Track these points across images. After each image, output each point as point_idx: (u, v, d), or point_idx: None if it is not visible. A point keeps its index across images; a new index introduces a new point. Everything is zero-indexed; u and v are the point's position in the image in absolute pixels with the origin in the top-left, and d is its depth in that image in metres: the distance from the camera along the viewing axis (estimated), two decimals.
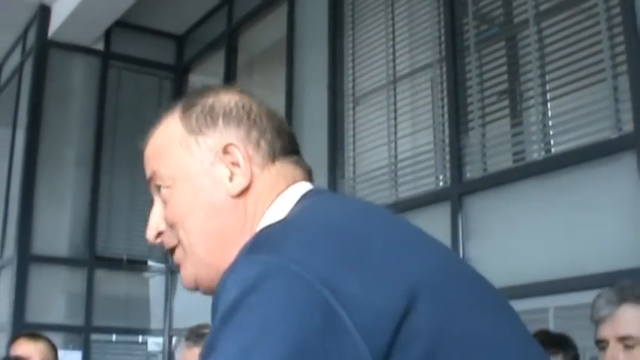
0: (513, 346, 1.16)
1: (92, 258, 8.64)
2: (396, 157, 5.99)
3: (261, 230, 1.16)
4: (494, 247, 5.02)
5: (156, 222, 1.39)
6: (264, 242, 1.11)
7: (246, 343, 1.00)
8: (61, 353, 7.21)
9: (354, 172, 6.44)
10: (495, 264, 4.94)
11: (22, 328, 7.90)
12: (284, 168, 1.34)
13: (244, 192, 1.30)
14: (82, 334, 8.35)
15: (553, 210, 4.66)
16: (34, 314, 8.14)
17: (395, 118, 6.04)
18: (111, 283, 8.77)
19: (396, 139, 6.01)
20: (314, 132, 6.82)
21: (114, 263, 8.78)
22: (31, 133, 8.62)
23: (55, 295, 8.53)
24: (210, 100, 1.36)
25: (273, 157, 1.34)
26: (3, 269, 8.93)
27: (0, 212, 9.35)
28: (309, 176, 1.39)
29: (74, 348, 8.16)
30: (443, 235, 5.22)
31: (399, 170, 5.97)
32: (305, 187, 1.34)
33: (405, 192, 5.83)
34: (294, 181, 1.34)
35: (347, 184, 6.42)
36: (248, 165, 1.31)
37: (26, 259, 8.29)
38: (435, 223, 5.38)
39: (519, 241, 4.81)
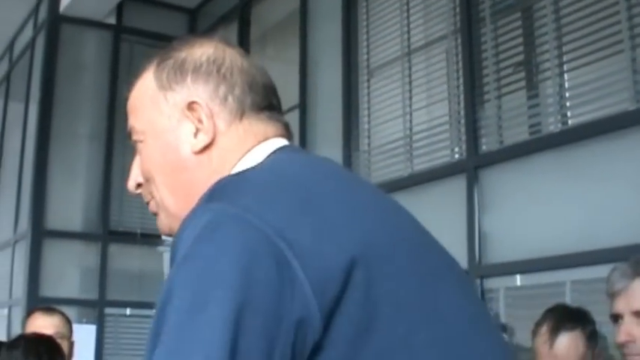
0: (456, 320, 1.16)
1: (106, 232, 8.66)
2: (411, 129, 5.94)
3: (219, 180, 1.17)
4: (510, 220, 4.98)
5: (135, 174, 1.43)
6: (220, 191, 1.13)
7: (199, 292, 1.01)
8: (75, 327, 7.23)
9: (368, 144, 6.39)
10: (511, 237, 4.91)
11: (37, 302, 7.92)
12: (254, 124, 1.34)
13: (208, 148, 1.32)
14: (96, 308, 8.37)
15: (570, 183, 4.61)
16: (49, 288, 8.16)
17: (410, 91, 5.98)
18: (125, 258, 8.78)
19: (411, 112, 5.96)
20: (328, 105, 6.78)
21: (128, 237, 8.78)
22: (44, 107, 8.60)
23: (69, 270, 8.55)
24: (182, 55, 1.37)
25: (241, 113, 1.34)
26: (17, 244, 8.96)
27: (13, 187, 9.36)
28: (285, 132, 1.39)
29: (88, 322, 8.18)
30: (458, 208, 5.19)
31: (414, 143, 5.92)
32: (277, 143, 1.34)
33: (421, 165, 5.78)
34: (265, 138, 1.34)
35: (362, 156, 6.38)
36: (211, 122, 1.32)
37: (40, 234, 8.30)
38: (450, 196, 5.35)
39: (536, 214, 4.77)
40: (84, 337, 7.72)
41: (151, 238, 8.79)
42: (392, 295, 1.08)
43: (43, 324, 3.74)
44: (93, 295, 8.40)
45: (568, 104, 4.79)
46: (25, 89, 9.49)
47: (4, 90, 10.75)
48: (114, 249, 8.69)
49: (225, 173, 1.27)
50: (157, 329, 1.04)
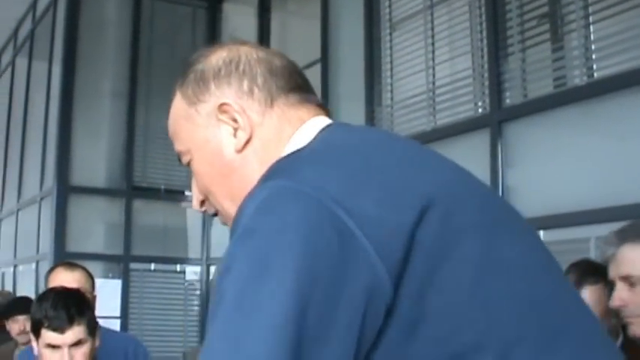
0: (526, 269, 1.15)
1: (130, 188, 8.67)
2: (433, 83, 5.84)
3: (276, 161, 1.20)
4: (534, 175, 4.89)
5: (196, 192, 1.43)
6: (278, 170, 1.15)
7: (259, 263, 1.01)
8: (101, 282, 7.28)
9: (391, 99, 6.29)
10: (535, 192, 4.83)
11: (63, 257, 7.98)
12: (286, 111, 1.34)
13: (249, 143, 1.32)
14: (121, 263, 8.40)
15: (595, 137, 4.50)
16: (75, 244, 8.21)
17: (432, 44, 5.86)
18: (149, 213, 8.79)
19: (434, 65, 5.84)
20: (350, 60, 6.69)
21: (151, 193, 8.79)
22: (67, 66, 8.59)
23: (94, 225, 8.58)
24: (200, 66, 1.39)
25: (271, 100, 1.34)
26: (43, 200, 9.00)
27: (39, 145, 9.38)
28: (320, 110, 1.38)
29: (114, 277, 8.23)
30: (482, 163, 5.11)
31: (436, 97, 5.81)
32: (317, 123, 1.33)
33: (443, 119, 5.70)
34: (302, 122, 1.33)
35: (384, 111, 6.29)
36: (244, 117, 1.32)
37: (65, 190, 8.33)
38: (473, 151, 5.27)
39: (560, 168, 4.68)
40: (110, 291, 7.77)
41: (174, 194, 8.79)
42: (458, 248, 1.07)
43: (66, 279, 3.65)
44: (118, 250, 8.43)
45: (594, 56, 4.66)
46: (49, 48, 9.46)
47: (27, 49, 10.76)
48: (138, 205, 8.71)
49: (272, 160, 1.25)
50: (216, 301, 1.04)
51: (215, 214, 1.42)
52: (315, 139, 1.26)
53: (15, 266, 10.22)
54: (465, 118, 5.49)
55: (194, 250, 8.86)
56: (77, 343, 2.84)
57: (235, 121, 1.32)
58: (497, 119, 5.10)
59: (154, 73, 9.00)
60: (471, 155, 5.30)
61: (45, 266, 8.39)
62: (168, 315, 8.51)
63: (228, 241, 1.10)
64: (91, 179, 8.58)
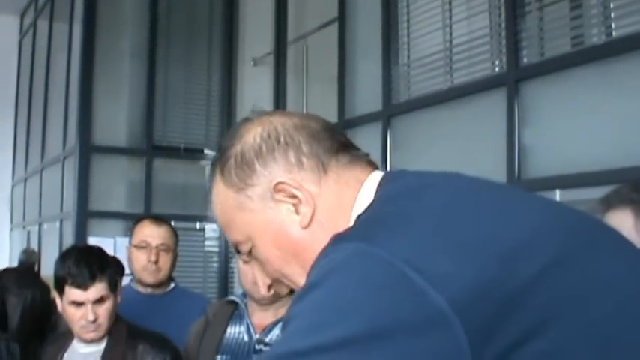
0: (630, 282, 1.08)
1: (150, 147, 8.64)
2: (451, 42, 5.72)
3: (347, 228, 1.15)
4: (550, 134, 4.80)
5: (262, 279, 1.37)
6: (348, 234, 1.10)
7: (320, 319, 0.99)
8: (121, 240, 7.28)
9: (408, 57, 6.19)
10: (552, 151, 4.74)
11: (86, 215, 8.05)
12: (341, 175, 1.28)
13: (313, 217, 1.25)
14: None
15: (612, 97, 4.39)
16: (97, 202, 8.23)
17: (450, 2, 5.72)
18: (169, 172, 8.78)
19: (451, 24, 5.72)
20: (368, 19, 6.59)
21: (171, 152, 8.76)
22: (87, 27, 8.54)
23: (115, 184, 8.60)
24: (238, 148, 1.30)
25: (323, 166, 1.27)
26: (66, 160, 9.01)
27: (61, 106, 9.38)
28: (371, 165, 1.33)
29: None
30: (498, 122, 5.03)
31: (454, 55, 5.69)
32: (373, 181, 1.27)
33: (460, 78, 5.59)
34: (360, 182, 1.27)
35: (401, 70, 6.19)
36: (304, 191, 1.25)
37: (87, 150, 8.32)
38: (490, 110, 5.18)
39: (577, 128, 4.59)
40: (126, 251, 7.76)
41: (194, 153, 8.79)
42: (544, 302, 1.00)
43: (150, 233, 3.74)
44: (139, 208, 8.42)
45: (612, 15, 4.53)
46: (69, 10, 9.42)
47: (48, 11, 10.75)
48: (158, 163, 8.69)
49: (340, 228, 1.19)
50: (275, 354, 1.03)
51: (289, 293, 1.37)
52: (377, 197, 1.21)
53: (40, 224, 10.26)
54: (481, 77, 5.37)
55: None
56: (100, 300, 2.88)
57: (294, 197, 1.25)
58: (513, 78, 4.99)
59: (173, 32, 8.95)
60: (487, 114, 5.22)
61: (69, 224, 8.44)
62: (188, 271, 8.50)
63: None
64: (112, 139, 8.57)
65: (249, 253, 1.33)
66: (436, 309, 0.96)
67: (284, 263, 1.28)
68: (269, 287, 1.38)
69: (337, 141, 1.30)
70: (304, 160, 1.26)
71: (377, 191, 1.23)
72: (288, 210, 1.26)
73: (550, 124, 4.80)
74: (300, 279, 1.25)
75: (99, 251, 3.03)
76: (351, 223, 1.20)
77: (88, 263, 2.86)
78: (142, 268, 3.71)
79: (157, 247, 3.70)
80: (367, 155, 1.33)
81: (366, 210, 1.18)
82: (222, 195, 1.32)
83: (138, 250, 3.71)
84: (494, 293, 0.98)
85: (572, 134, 4.62)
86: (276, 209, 1.26)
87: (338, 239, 1.08)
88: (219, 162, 1.32)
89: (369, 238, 1.04)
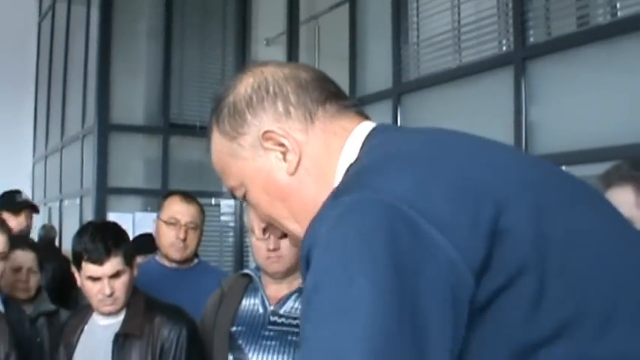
0: (613, 240, 1.12)
1: (167, 125, 8.68)
2: (459, 21, 5.74)
3: (340, 182, 1.17)
4: (557, 111, 4.81)
5: (257, 223, 1.47)
6: (344, 188, 1.11)
7: (343, 275, 0.99)
8: (140, 215, 7.36)
9: (417, 37, 6.20)
10: (558, 128, 4.76)
11: (105, 192, 8.10)
12: (328, 124, 1.30)
13: (299, 163, 1.28)
14: (159, 197, 8.42)
15: (618, 75, 4.40)
16: (115, 179, 8.28)
17: None
18: (185, 149, 8.81)
19: (460, 4, 5.73)
20: None
21: (187, 130, 8.80)
22: (105, 9, 8.58)
23: (133, 161, 8.63)
24: (231, 99, 1.34)
25: (310, 115, 1.30)
26: (85, 138, 9.05)
27: (79, 86, 9.41)
28: (360, 115, 1.34)
29: (152, 210, 8.26)
30: (506, 100, 5.04)
31: (462, 35, 5.71)
32: (363, 130, 1.29)
33: (469, 57, 5.60)
34: (347, 131, 1.29)
35: (410, 49, 6.20)
36: (290, 139, 1.28)
37: (106, 128, 8.37)
38: (498, 88, 5.20)
39: (583, 106, 4.60)
40: (149, 224, 7.81)
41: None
42: (536, 233, 1.04)
43: (180, 210, 3.69)
44: (156, 184, 8.48)
45: None
46: None
47: None
48: (174, 141, 8.73)
49: (327, 176, 1.26)
50: (306, 320, 1.03)
51: (282, 237, 1.41)
52: (368, 147, 1.23)
53: (61, 201, 10.33)
54: (489, 56, 5.39)
55: None
56: (116, 275, 2.89)
57: (282, 145, 1.28)
58: (520, 57, 5.00)
59: (188, 13, 8.95)
60: (495, 92, 5.24)
61: (88, 201, 8.50)
62: (204, 246, 8.51)
63: (299, 265, 1.11)
64: (129, 117, 8.61)
65: (244, 197, 1.36)
66: (443, 250, 0.99)
67: (272, 208, 1.31)
68: (264, 230, 1.40)
69: (326, 90, 1.33)
70: (292, 109, 1.29)
71: (366, 141, 1.25)
72: (277, 157, 1.28)
73: (556, 102, 4.82)
74: (287, 222, 1.31)
75: (114, 227, 3.03)
76: (338, 171, 1.24)
77: (103, 239, 2.86)
78: (169, 244, 3.67)
79: (185, 224, 3.65)
80: (356, 105, 1.36)
81: (357, 160, 1.20)
82: (218, 143, 1.36)
83: (167, 226, 3.66)
84: (488, 234, 1.01)
85: (578, 111, 4.64)
86: (266, 157, 1.29)
87: (338, 193, 1.10)
88: (215, 112, 1.36)
89: (368, 186, 1.06)
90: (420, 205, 1.01)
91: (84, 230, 2.96)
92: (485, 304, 1.00)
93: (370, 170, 1.12)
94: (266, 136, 1.28)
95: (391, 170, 1.10)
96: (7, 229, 3.34)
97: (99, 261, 2.85)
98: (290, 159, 1.28)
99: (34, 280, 3.75)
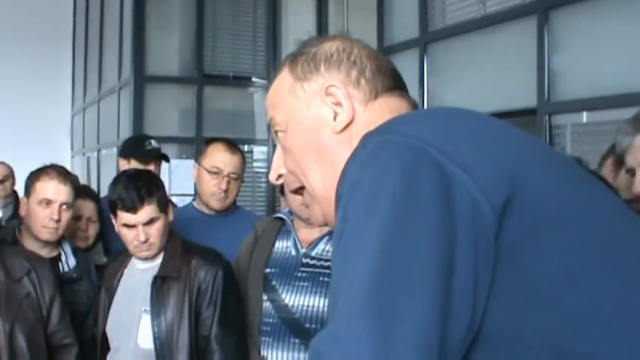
0: (610, 220, 1.11)
1: (201, 76, 8.68)
2: None
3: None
4: (578, 59, 4.77)
5: (277, 165, 1.41)
6: (374, 131, 1.12)
7: (369, 212, 1.00)
8: (175, 162, 7.39)
9: None
10: (579, 76, 4.72)
11: None
12: (389, 101, 1.33)
13: (347, 127, 1.29)
14: (193, 144, 8.48)
15: (639, 23, 4.35)
16: (151, 128, 8.29)
17: None
18: (218, 99, 8.83)
19: None
20: None
21: (221, 80, 8.81)
22: None
23: (168, 111, 8.66)
24: (313, 49, 1.37)
25: (375, 94, 1.33)
26: (121, 90, 9.08)
27: (115, 40, 9.42)
28: (414, 106, 1.38)
29: (187, 157, 8.31)
30: (529, 48, 5.00)
31: None
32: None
33: (492, 7, 5.53)
34: (400, 112, 1.30)
35: None
36: (349, 102, 1.30)
37: (141, 80, 8.38)
38: (521, 37, 5.15)
39: (604, 53, 4.55)
40: (184, 171, 7.86)
41: (242, 80, 8.83)
42: (549, 203, 1.04)
43: (224, 159, 3.60)
44: (190, 132, 8.52)
45: None
46: None
47: None
48: (208, 91, 8.74)
49: None
50: (343, 260, 1.03)
51: (296, 191, 1.40)
52: None
53: (99, 151, 10.40)
54: (513, 6, 5.32)
55: (261, 132, 8.89)
56: (150, 221, 2.92)
57: (338, 104, 1.30)
58: (544, 6, 4.94)
59: None
60: (518, 41, 5.19)
61: None
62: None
63: (334, 208, 1.12)
64: (164, 69, 8.62)
65: (277, 133, 1.38)
66: (467, 191, 1.00)
67: (303, 156, 1.32)
68: (279, 176, 1.41)
69: (398, 83, 1.37)
70: (362, 81, 1.32)
71: None
72: (329, 113, 1.30)
73: (578, 50, 4.77)
74: (311, 175, 1.31)
75: (147, 175, 3.05)
76: None
77: (136, 188, 2.88)
78: (210, 193, 3.59)
79: (228, 174, 3.57)
80: (416, 103, 1.39)
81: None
82: (282, 78, 1.38)
83: (209, 175, 3.57)
84: (510, 178, 1.02)
85: (599, 59, 4.59)
86: (319, 108, 1.31)
87: (368, 136, 1.12)
88: (293, 54, 1.39)
89: (397, 130, 1.08)
90: (445, 149, 1.02)
91: (118, 180, 2.99)
92: (509, 249, 1.00)
93: (399, 119, 1.15)
94: (329, 90, 1.30)
95: (418, 119, 1.13)
96: (72, 180, 3.37)
97: (133, 209, 2.89)
98: (340, 120, 1.29)
99: (92, 230, 3.79)
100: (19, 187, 4.33)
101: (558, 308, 1.00)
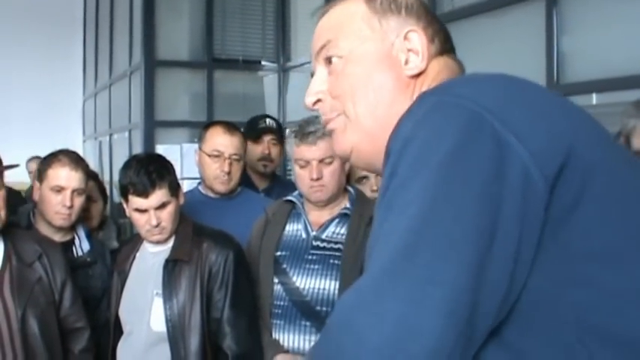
0: None
1: (211, 60, 8.66)
2: None
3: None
4: (588, 41, 4.72)
5: (317, 90, 1.35)
6: (432, 91, 1.11)
7: (418, 167, 0.99)
8: (187, 146, 7.37)
9: None
10: (590, 57, 4.68)
11: (153, 125, 8.13)
12: (449, 62, 1.33)
13: (416, 76, 1.28)
14: None
15: None
16: (162, 113, 8.31)
17: None
18: (228, 83, 8.81)
19: None
20: None
21: (231, 64, 8.78)
22: None
23: (179, 95, 8.65)
24: None
25: (441, 52, 1.32)
26: (132, 75, 9.07)
27: (126, 24, 9.40)
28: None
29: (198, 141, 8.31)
30: (538, 30, 4.96)
31: None
32: None
33: None
34: (455, 74, 1.32)
35: None
36: (427, 53, 1.29)
37: (152, 64, 8.36)
38: (530, 19, 5.10)
39: (613, 35, 4.51)
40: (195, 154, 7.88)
41: (251, 64, 8.81)
42: (595, 179, 1.01)
43: (224, 142, 3.57)
44: (201, 117, 8.50)
45: None
46: None
47: None
48: (218, 75, 8.72)
49: None
50: (384, 216, 1.02)
51: (328, 120, 1.35)
52: None
53: (110, 135, 10.41)
54: None
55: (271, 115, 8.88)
56: (161, 206, 2.92)
57: (412, 51, 1.28)
58: None
59: None
60: (527, 23, 5.15)
61: (137, 134, 8.55)
62: None
63: (384, 157, 1.09)
64: (175, 53, 8.60)
65: (329, 59, 1.33)
66: (520, 159, 0.97)
67: (363, 89, 1.28)
68: (315, 102, 1.36)
69: (452, 47, 1.37)
70: (436, 40, 1.32)
71: None
72: (401, 55, 1.29)
73: (587, 31, 4.73)
74: (360, 113, 1.28)
75: (158, 160, 3.02)
76: None
77: (147, 172, 2.87)
78: (214, 177, 3.56)
79: (229, 156, 3.54)
80: (464, 67, 1.39)
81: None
82: (353, 4, 1.34)
83: (210, 159, 3.56)
84: (563, 154, 0.99)
85: (609, 40, 4.55)
86: (392, 47, 1.29)
87: (425, 95, 1.10)
88: None
89: (453, 92, 1.06)
90: (502, 115, 1.00)
91: (129, 164, 2.98)
92: (554, 222, 0.99)
93: (457, 81, 1.15)
94: (409, 35, 1.29)
95: (477, 82, 1.11)
96: (84, 166, 3.37)
97: (144, 194, 2.88)
98: (413, 66, 1.28)
99: (95, 209, 3.78)
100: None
101: (597, 286, 0.98)
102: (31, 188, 3.56)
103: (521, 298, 0.98)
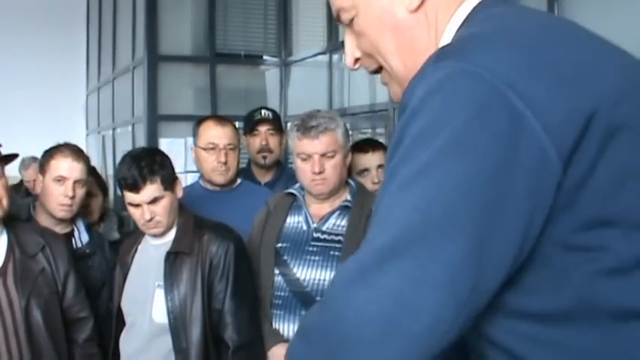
0: None
1: (213, 55, 8.64)
2: None
3: (447, 44, 1.12)
4: (589, 27, 4.72)
5: (352, 50, 1.34)
6: (449, 51, 1.07)
7: (427, 142, 0.97)
8: (191, 139, 7.37)
9: None
10: None
11: (156, 119, 8.13)
12: None
13: (421, 6, 1.23)
14: None
15: None
16: (165, 107, 8.29)
17: None
18: (231, 77, 8.80)
19: None
20: None
21: (233, 58, 8.76)
22: None
23: (182, 90, 8.63)
24: None
25: None
26: (135, 69, 9.06)
27: (129, 19, 9.39)
28: None
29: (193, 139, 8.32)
30: None
31: None
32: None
33: None
34: None
35: None
36: None
37: (155, 59, 8.34)
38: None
39: (615, 34, 4.48)
40: (191, 152, 7.88)
41: (253, 59, 8.80)
42: (631, 138, 1.00)
43: (217, 134, 3.61)
44: (205, 111, 8.47)
45: None
46: None
47: None
48: (221, 69, 8.70)
49: (441, 26, 1.22)
50: (388, 179, 1.02)
51: (375, 72, 1.34)
52: (481, 16, 1.17)
53: (114, 129, 10.40)
54: None
55: (273, 108, 8.87)
56: (154, 200, 2.91)
57: None
58: None
59: None
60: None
61: (140, 129, 8.55)
62: None
63: (396, 118, 1.07)
64: (177, 48, 8.58)
65: (350, 22, 1.31)
66: (535, 136, 0.96)
67: (382, 37, 1.26)
68: (356, 61, 1.35)
69: None
70: None
71: (476, 8, 1.21)
72: None
73: (589, 23, 4.70)
74: (391, 57, 1.26)
75: (151, 154, 3.00)
76: (448, 29, 1.21)
77: (138, 167, 2.87)
78: (211, 169, 3.59)
79: (224, 147, 3.57)
80: None
81: (463, 25, 1.18)
82: None
83: (206, 152, 3.60)
84: (582, 119, 0.98)
85: (612, 32, 4.52)
86: None
87: (441, 55, 1.07)
88: None
89: (470, 58, 1.02)
90: (518, 87, 0.98)
91: (123, 159, 2.98)
92: (568, 195, 0.98)
93: (478, 40, 1.08)
94: None
95: (499, 46, 1.05)
96: (85, 158, 3.38)
97: (135, 189, 2.87)
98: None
99: (95, 203, 3.79)
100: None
101: (611, 252, 0.99)
102: (21, 183, 3.55)
103: (529, 266, 1.00)
